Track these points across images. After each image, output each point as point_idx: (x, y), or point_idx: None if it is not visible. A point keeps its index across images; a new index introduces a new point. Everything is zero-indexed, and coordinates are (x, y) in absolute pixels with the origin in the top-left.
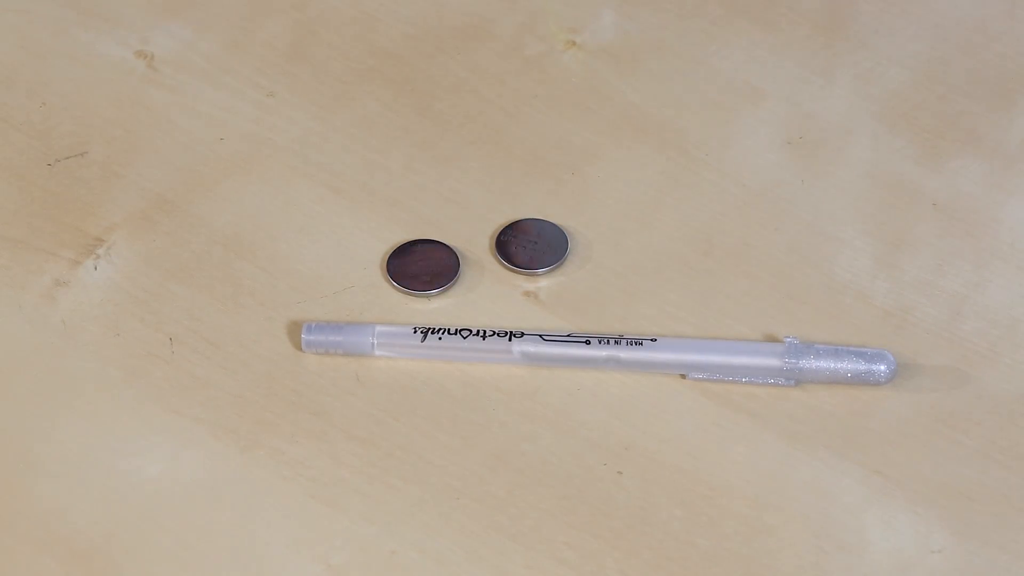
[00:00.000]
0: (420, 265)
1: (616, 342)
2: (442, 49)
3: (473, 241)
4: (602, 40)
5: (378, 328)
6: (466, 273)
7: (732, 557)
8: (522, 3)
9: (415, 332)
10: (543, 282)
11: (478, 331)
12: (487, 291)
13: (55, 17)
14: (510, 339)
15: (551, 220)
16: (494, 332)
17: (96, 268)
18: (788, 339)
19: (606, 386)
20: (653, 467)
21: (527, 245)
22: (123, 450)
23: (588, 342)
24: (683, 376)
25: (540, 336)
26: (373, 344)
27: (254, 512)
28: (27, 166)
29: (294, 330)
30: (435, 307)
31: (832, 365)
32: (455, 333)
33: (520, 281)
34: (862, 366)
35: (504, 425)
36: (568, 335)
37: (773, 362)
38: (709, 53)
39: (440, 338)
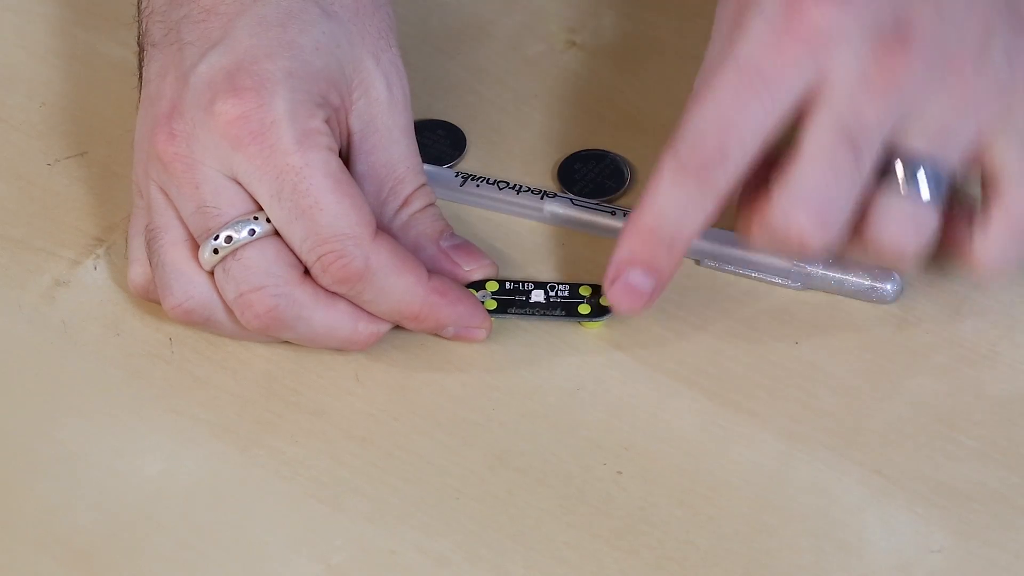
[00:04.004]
0: None
1: None
2: (442, 49)
3: None
4: (602, 40)
5: (424, 167)
6: None
7: (732, 557)
8: (522, 3)
9: (456, 175)
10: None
11: (513, 185)
12: None
13: (55, 17)
14: (542, 198)
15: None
16: (528, 188)
17: (96, 268)
18: None
19: (606, 386)
20: (653, 467)
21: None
22: (123, 450)
23: (614, 212)
24: (696, 262)
25: (570, 199)
26: None
27: (254, 512)
28: (27, 166)
29: None
30: None
31: (839, 275)
32: (492, 183)
33: None
34: (867, 282)
35: (504, 425)
36: (597, 202)
37: (782, 262)
38: None
39: (478, 185)
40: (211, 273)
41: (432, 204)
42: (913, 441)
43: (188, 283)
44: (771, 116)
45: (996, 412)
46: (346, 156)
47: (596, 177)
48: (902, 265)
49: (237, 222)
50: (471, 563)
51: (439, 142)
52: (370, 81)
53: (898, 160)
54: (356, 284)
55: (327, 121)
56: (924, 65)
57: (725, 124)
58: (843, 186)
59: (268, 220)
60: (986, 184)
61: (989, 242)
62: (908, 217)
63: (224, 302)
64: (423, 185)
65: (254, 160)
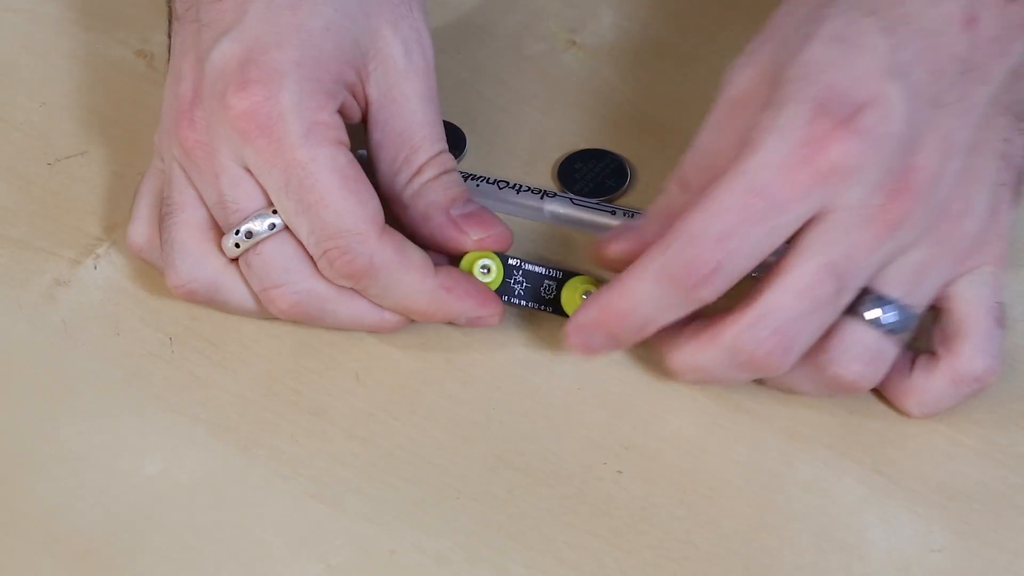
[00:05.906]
0: None
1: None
2: (442, 49)
3: None
4: (602, 40)
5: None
6: None
7: (732, 557)
8: (522, 3)
9: None
10: None
11: (513, 185)
12: None
13: (55, 17)
14: (542, 197)
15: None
16: (528, 188)
17: (96, 268)
18: None
19: (606, 386)
20: (653, 467)
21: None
22: (123, 450)
23: (614, 212)
24: None
25: (570, 199)
26: None
27: (254, 512)
28: (27, 166)
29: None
30: None
31: None
32: (492, 183)
33: None
34: None
35: (504, 425)
36: (597, 202)
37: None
38: (709, 52)
39: (478, 185)
40: (233, 260)
41: (448, 172)
42: (913, 441)
43: (195, 265)
44: (771, 240)
45: (996, 412)
46: (366, 127)
47: (596, 177)
48: (850, 393)
49: (257, 216)
50: (471, 563)
51: None
52: (387, 50)
53: (870, 297)
54: (361, 280)
55: (341, 105)
56: (922, 212)
57: (724, 244)
58: (817, 320)
59: None
60: (942, 322)
61: (930, 386)
62: (869, 349)
63: (230, 286)
64: (440, 153)
65: (262, 153)
